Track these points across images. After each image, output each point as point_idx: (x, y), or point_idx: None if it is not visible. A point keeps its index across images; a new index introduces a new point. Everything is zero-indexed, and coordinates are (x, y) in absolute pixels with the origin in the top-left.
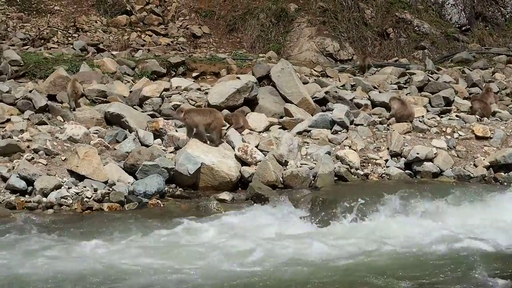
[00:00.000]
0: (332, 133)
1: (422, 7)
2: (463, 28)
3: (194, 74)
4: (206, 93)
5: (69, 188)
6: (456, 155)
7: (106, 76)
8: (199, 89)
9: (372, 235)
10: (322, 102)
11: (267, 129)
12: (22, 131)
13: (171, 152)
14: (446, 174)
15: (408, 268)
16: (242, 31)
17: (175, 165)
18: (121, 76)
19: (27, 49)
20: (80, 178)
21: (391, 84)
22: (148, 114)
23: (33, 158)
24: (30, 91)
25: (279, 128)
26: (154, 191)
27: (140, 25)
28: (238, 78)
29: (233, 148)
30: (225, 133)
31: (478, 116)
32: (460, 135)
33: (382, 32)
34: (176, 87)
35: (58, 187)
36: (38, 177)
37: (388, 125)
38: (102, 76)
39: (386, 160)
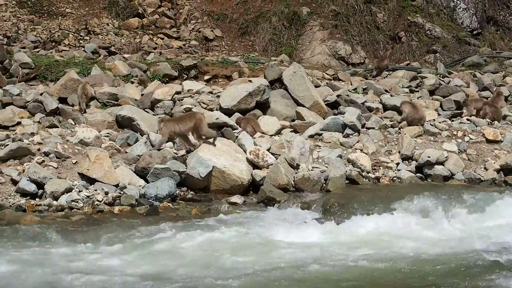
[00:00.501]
0: (343, 137)
1: (434, 11)
2: (475, 32)
3: (206, 77)
4: (218, 96)
5: (80, 191)
6: (466, 158)
7: (117, 79)
8: (211, 92)
9: (385, 238)
10: (333, 105)
11: (278, 132)
12: (32, 134)
13: (182, 155)
14: (457, 178)
15: (420, 271)
16: (254, 34)
17: (186, 168)
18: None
19: (38, 51)
20: (91, 181)
21: (402, 87)
22: (160, 117)
23: (43, 161)
24: (41, 94)
25: (291, 131)
26: (165, 194)
27: (152, 28)
28: (250, 81)
29: (245, 151)
30: (236, 136)
31: (488, 120)
32: (471, 138)
33: (394, 36)
34: (188, 90)
35: (68, 190)
36: (49, 180)
37: (399, 129)
38: (114, 79)
39: (397, 164)
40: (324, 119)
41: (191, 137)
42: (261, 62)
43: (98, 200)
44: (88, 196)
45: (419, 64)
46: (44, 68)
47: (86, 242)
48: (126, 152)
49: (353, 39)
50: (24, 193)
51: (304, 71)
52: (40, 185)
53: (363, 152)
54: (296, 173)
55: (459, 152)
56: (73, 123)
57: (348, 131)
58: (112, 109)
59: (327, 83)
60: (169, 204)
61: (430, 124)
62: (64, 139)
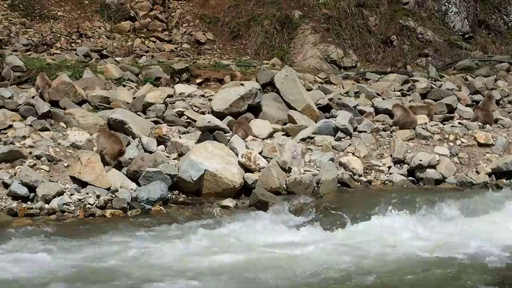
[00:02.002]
0: (335, 140)
1: (426, 14)
2: (466, 36)
3: (198, 81)
4: (210, 99)
5: (71, 194)
6: (458, 162)
7: (109, 82)
8: (202, 96)
9: (376, 242)
10: (325, 109)
11: (270, 136)
12: (24, 137)
13: (174, 159)
14: (448, 181)
15: (412, 274)
16: (246, 38)
17: (178, 171)
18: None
19: (30, 55)
20: (83, 184)
21: (394, 91)
22: (152, 121)
23: (35, 164)
24: (33, 97)
25: (283, 134)
26: (157, 197)
27: (144, 31)
28: (242, 84)
29: (237, 154)
30: (229, 139)
31: (480, 123)
32: (462, 142)
33: (386, 40)
34: (180, 94)
35: (60, 193)
36: (40, 184)
37: (391, 132)
38: (106, 82)
39: (389, 167)
40: (316, 122)
41: None
42: (253, 66)
43: (89, 204)
44: (79, 200)
45: (410, 67)
46: (36, 71)
47: (77, 246)
48: None
49: (345, 42)
50: (15, 196)
51: (296, 75)
52: (31, 188)
53: (355, 156)
54: (288, 176)
55: (450, 155)
56: (64, 126)
57: (340, 134)
58: (104, 112)
59: (319, 86)
60: (161, 207)
61: (422, 128)
62: (55, 142)
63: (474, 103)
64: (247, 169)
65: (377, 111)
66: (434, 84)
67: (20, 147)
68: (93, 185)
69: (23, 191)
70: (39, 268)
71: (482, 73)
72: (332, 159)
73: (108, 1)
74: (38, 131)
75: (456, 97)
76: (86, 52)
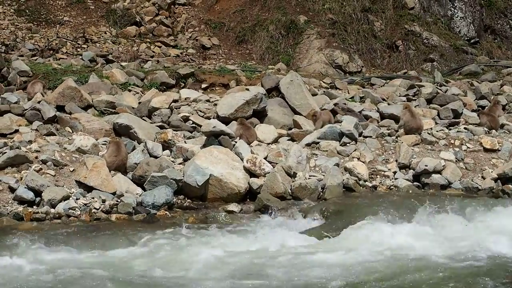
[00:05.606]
0: (340, 145)
1: (431, 19)
2: (472, 41)
3: (203, 85)
4: (215, 104)
5: (77, 199)
6: (464, 167)
7: (115, 87)
8: (208, 101)
9: (381, 246)
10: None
11: (276, 141)
12: (30, 142)
13: (179, 164)
14: (454, 186)
15: (416, 279)
16: (251, 43)
17: (183, 176)
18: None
19: (36, 59)
20: (89, 189)
21: (400, 96)
22: (157, 125)
23: (41, 169)
24: (39, 102)
25: (288, 139)
26: (162, 202)
27: (149, 36)
28: (247, 89)
29: (242, 159)
30: (234, 144)
31: (486, 129)
32: (468, 147)
33: (391, 45)
34: (185, 99)
35: (66, 198)
36: (46, 188)
37: (396, 137)
38: (111, 87)
39: (395, 172)
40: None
41: None
42: (258, 71)
43: (95, 208)
44: (85, 204)
45: (416, 72)
46: (41, 76)
47: (83, 250)
48: None
49: (350, 47)
50: (21, 201)
51: (301, 80)
52: (37, 192)
53: (360, 161)
54: (293, 181)
55: (456, 160)
56: (70, 131)
57: (345, 139)
58: (110, 117)
59: (324, 91)
60: (166, 212)
61: (428, 133)
62: (61, 147)
63: (480, 108)
64: (252, 174)
65: (383, 116)
66: (440, 89)
67: (26, 151)
68: (98, 190)
69: (29, 195)
70: (43, 273)
71: (488, 78)
72: (337, 164)
73: (114, 6)
74: (44, 136)
75: (462, 102)
76: (92, 57)
